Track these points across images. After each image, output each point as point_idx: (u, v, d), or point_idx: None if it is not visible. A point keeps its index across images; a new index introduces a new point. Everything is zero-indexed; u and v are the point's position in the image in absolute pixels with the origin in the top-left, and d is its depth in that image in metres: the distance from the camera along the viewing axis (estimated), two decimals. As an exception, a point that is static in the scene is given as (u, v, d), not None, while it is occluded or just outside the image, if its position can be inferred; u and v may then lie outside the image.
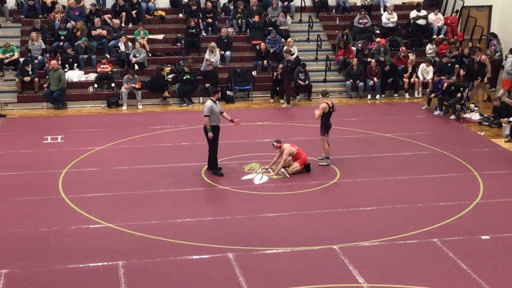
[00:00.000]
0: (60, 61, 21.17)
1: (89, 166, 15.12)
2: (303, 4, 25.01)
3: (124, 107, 20.63)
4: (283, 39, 23.20)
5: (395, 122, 19.15)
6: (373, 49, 22.96)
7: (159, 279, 9.96)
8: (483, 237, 11.42)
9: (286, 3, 24.88)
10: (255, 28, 23.77)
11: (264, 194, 13.52)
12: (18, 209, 12.54)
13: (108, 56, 22.04)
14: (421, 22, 24.50)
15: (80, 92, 21.26)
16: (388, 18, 24.43)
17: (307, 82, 21.76)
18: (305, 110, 20.57)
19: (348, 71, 22.28)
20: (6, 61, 21.46)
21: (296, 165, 14.62)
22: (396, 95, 22.38)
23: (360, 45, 23.24)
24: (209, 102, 14.30)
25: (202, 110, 20.21)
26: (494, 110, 18.88)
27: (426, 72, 22.13)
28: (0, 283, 9.81)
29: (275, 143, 14.77)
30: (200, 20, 23.63)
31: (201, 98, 21.27)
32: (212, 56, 21.99)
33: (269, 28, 23.59)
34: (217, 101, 14.42)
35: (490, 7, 26.88)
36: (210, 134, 14.21)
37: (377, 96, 22.04)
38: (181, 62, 22.09)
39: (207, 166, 14.72)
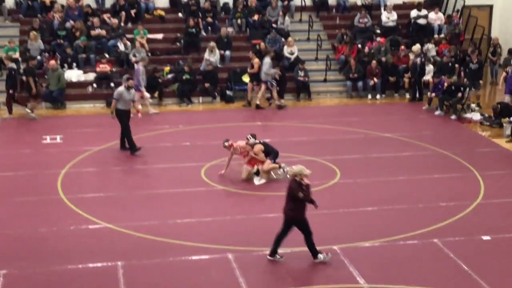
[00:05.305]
0: (59, 61, 21.10)
1: (89, 166, 15.08)
2: (303, 4, 24.97)
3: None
4: (283, 39, 23.16)
5: (395, 122, 19.10)
6: (373, 48, 22.92)
7: (158, 279, 9.92)
8: (484, 238, 11.39)
9: (286, 2, 24.83)
10: (255, 27, 23.72)
11: (264, 194, 13.48)
12: (17, 209, 12.50)
13: (107, 55, 21.97)
14: (422, 21, 24.47)
15: (79, 92, 21.20)
16: (388, 17, 24.39)
17: (307, 79, 21.72)
18: (305, 110, 20.55)
19: (346, 71, 22.23)
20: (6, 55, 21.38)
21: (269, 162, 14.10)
22: (396, 95, 22.34)
23: (359, 45, 23.19)
24: (120, 88, 15.83)
25: (201, 110, 20.45)
26: (495, 112, 18.81)
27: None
28: None
29: (226, 143, 14.19)
30: (199, 20, 23.57)
31: (200, 98, 21.22)
32: (212, 56, 21.93)
33: (270, 28, 23.54)
34: (129, 89, 15.77)
35: (491, 6, 26.84)
36: (112, 115, 15.83)
37: (377, 96, 21.99)
38: (180, 61, 22.04)
39: (120, 146, 15.91)
